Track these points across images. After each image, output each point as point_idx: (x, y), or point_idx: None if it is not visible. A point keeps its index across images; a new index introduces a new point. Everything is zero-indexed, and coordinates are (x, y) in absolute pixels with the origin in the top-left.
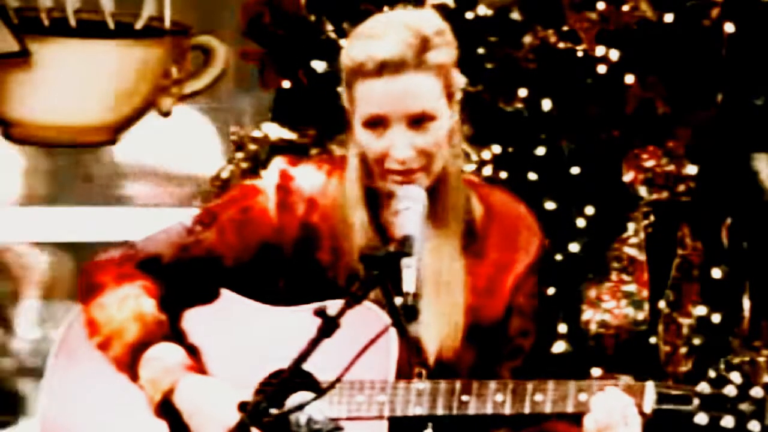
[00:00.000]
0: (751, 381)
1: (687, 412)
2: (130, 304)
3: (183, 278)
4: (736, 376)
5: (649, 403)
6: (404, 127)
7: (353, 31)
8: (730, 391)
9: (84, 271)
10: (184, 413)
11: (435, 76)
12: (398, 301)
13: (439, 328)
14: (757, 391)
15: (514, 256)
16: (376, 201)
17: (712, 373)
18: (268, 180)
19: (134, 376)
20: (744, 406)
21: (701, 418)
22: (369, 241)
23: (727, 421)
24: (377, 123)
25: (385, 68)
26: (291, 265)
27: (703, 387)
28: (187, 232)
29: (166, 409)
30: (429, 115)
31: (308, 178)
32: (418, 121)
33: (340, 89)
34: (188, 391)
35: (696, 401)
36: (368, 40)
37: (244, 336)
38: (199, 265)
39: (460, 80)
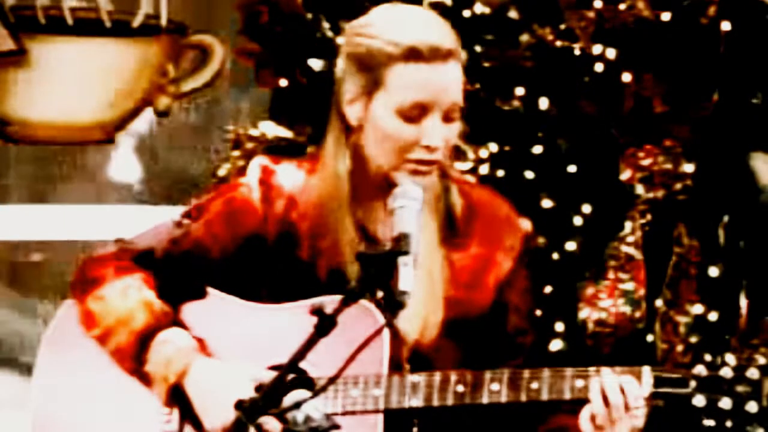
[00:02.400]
0: (747, 362)
1: (684, 394)
2: (133, 294)
3: (174, 272)
4: (731, 358)
5: (646, 387)
6: (439, 117)
7: (368, 21)
8: (726, 373)
9: (79, 267)
10: (194, 396)
11: (461, 68)
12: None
13: (419, 319)
14: (753, 373)
15: (495, 251)
16: (356, 201)
17: (707, 356)
18: (250, 176)
19: (140, 364)
20: (741, 388)
21: (699, 401)
22: (351, 240)
23: (725, 402)
24: (419, 109)
25: (436, 54)
26: (274, 261)
27: (700, 369)
28: (176, 225)
29: (176, 393)
30: (459, 107)
31: (289, 175)
32: (451, 114)
33: (340, 75)
34: (202, 373)
35: (693, 384)
36: (413, 25)
37: (229, 334)
38: (188, 258)
39: None
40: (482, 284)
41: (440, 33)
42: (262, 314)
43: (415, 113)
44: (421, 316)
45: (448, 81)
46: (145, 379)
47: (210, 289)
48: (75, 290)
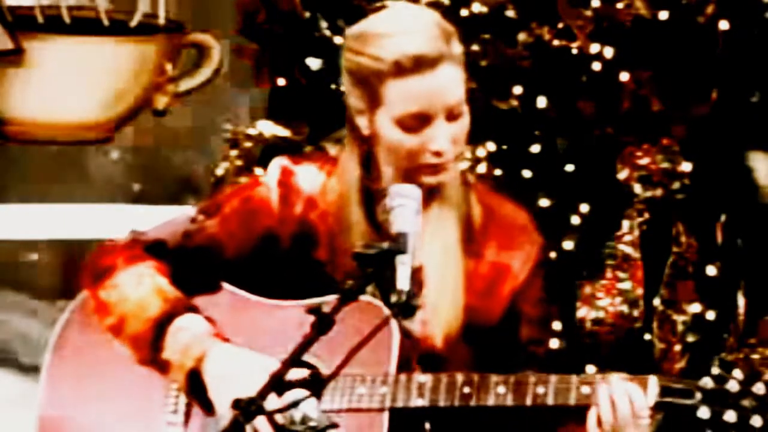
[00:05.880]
0: (753, 377)
1: (689, 405)
2: (146, 281)
3: (186, 265)
4: (738, 372)
5: (652, 397)
6: (443, 120)
7: (359, 33)
8: (732, 386)
9: (90, 258)
10: (210, 382)
11: (459, 66)
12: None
13: (438, 326)
14: (759, 387)
15: (511, 260)
16: (371, 201)
17: (714, 369)
18: (270, 175)
19: (156, 351)
20: (746, 402)
21: (704, 413)
22: (366, 240)
23: (730, 416)
24: (417, 119)
25: (422, 64)
26: (289, 260)
27: (706, 381)
28: (191, 220)
29: (194, 380)
30: (461, 105)
31: (308, 177)
32: (454, 113)
33: (345, 89)
34: (219, 359)
35: (698, 395)
36: (394, 38)
37: (242, 329)
38: (201, 253)
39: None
40: (497, 293)
41: (425, 38)
42: (276, 311)
43: (415, 123)
44: (441, 323)
45: (441, 86)
46: (162, 367)
47: (224, 284)
48: (86, 281)
